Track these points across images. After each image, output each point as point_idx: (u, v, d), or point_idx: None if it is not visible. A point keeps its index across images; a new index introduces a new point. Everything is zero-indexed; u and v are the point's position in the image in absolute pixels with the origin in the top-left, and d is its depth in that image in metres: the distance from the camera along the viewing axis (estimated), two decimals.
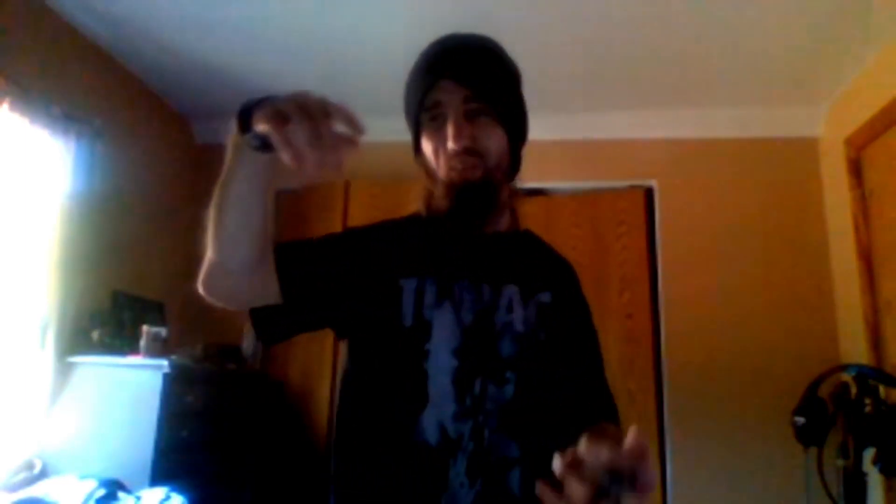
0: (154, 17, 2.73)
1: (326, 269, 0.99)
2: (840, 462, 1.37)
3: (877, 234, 2.78)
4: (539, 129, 4.10)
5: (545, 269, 1.06)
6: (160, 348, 2.64)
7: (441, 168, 0.96)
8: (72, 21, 2.74)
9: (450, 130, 0.92)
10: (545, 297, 0.99)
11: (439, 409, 0.90)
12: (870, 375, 1.41)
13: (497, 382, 0.92)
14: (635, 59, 2.92)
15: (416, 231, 1.04)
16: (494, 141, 0.96)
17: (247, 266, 0.95)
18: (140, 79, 3.28)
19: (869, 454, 1.37)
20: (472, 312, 0.94)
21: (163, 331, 2.72)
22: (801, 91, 3.15)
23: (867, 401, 1.38)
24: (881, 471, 1.37)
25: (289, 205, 3.70)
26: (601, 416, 0.96)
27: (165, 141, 3.56)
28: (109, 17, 2.76)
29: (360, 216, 3.47)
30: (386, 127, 3.65)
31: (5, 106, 2.33)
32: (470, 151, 0.93)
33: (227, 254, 0.96)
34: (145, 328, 2.67)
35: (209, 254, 0.97)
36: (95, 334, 2.72)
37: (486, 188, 0.95)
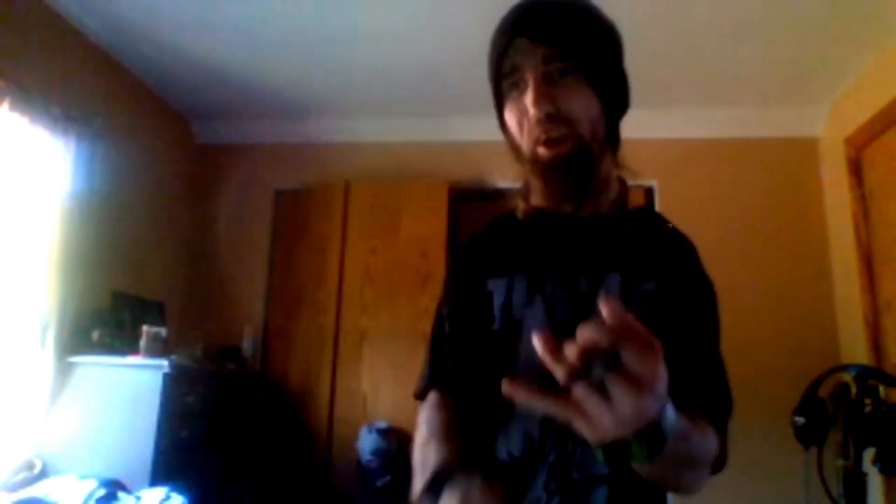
0: (154, 17, 2.73)
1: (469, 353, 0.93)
2: (840, 462, 1.37)
3: (877, 234, 2.78)
4: None
5: (653, 253, 0.90)
6: (160, 348, 2.64)
7: (527, 144, 0.84)
8: (72, 21, 2.74)
9: (529, 95, 0.80)
10: (649, 286, 0.86)
11: (527, 418, 0.81)
12: (870, 375, 1.41)
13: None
14: (635, 60, 2.91)
15: (507, 227, 0.96)
16: (583, 104, 0.82)
17: None
18: (140, 79, 3.28)
19: (869, 454, 1.37)
20: (567, 307, 0.84)
21: (163, 331, 2.72)
22: (801, 91, 3.15)
23: (867, 401, 1.38)
24: (881, 471, 1.37)
25: (289, 205, 3.71)
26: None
27: (165, 141, 3.56)
28: (110, 18, 2.76)
29: (360, 216, 3.47)
30: (386, 127, 3.68)
31: (5, 106, 2.33)
32: (554, 118, 0.80)
33: None
34: (145, 328, 2.67)
35: None
36: (95, 334, 2.72)
37: (579, 161, 0.83)
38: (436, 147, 3.61)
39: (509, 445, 0.82)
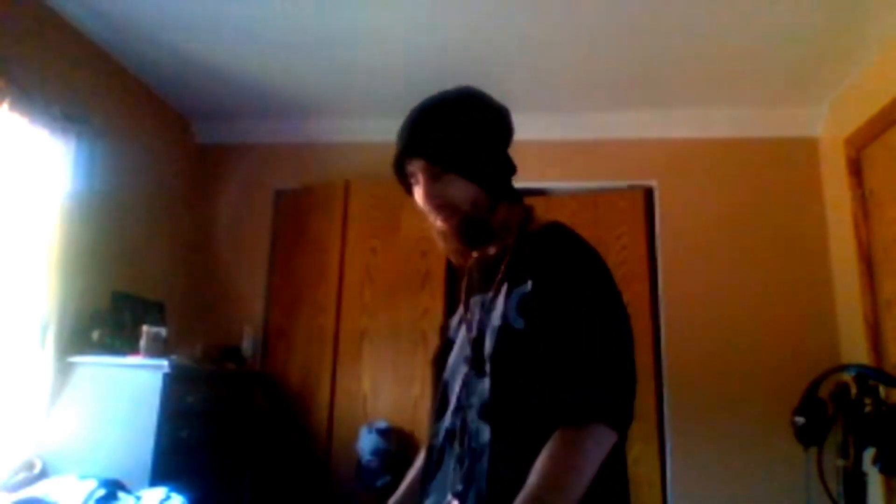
0: (154, 17, 2.73)
1: None
2: (840, 462, 1.37)
3: (877, 234, 2.78)
4: (539, 129, 4.08)
5: (532, 260, 1.05)
6: (160, 348, 2.64)
7: (431, 219, 1.13)
8: (72, 21, 2.74)
9: (418, 197, 1.10)
10: (526, 287, 1.02)
11: (450, 410, 1.08)
12: (870, 375, 1.41)
13: (479, 376, 1.04)
14: (635, 60, 2.92)
15: (468, 268, 1.23)
16: (461, 191, 1.07)
17: None
18: (140, 79, 3.28)
19: (869, 454, 1.37)
20: (477, 323, 1.10)
21: (163, 331, 2.72)
22: (801, 91, 3.15)
23: (867, 401, 1.38)
24: (881, 471, 1.37)
25: (289, 205, 3.71)
26: (556, 411, 0.92)
27: (165, 141, 3.56)
28: (109, 18, 2.76)
29: (360, 216, 3.47)
30: (386, 127, 3.66)
31: (5, 106, 2.33)
32: (442, 206, 1.07)
33: None
34: (145, 328, 2.67)
35: None
36: (95, 334, 2.72)
37: (469, 227, 1.09)
38: None
39: (439, 434, 1.09)
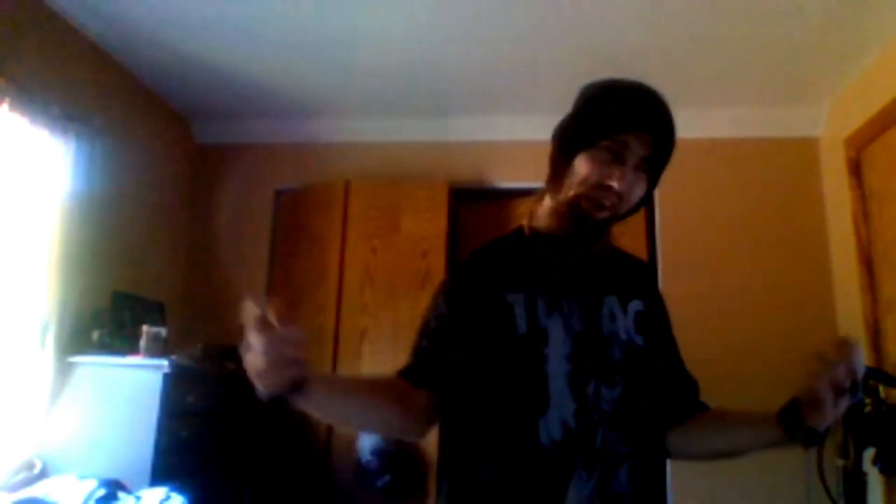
0: (154, 16, 2.73)
1: (456, 351, 1.05)
2: (840, 462, 1.37)
3: (877, 234, 2.78)
4: (539, 129, 4.06)
5: (634, 279, 1.16)
6: (160, 348, 2.64)
7: (580, 190, 1.03)
8: (72, 21, 2.74)
9: (623, 172, 1.01)
10: (638, 306, 1.09)
11: (561, 409, 0.97)
12: (870, 375, 1.41)
13: (608, 385, 1.00)
14: (635, 60, 2.92)
15: (520, 248, 1.13)
16: (637, 196, 1.05)
17: (393, 425, 1.05)
18: (140, 79, 3.28)
19: (869, 454, 1.37)
20: (581, 322, 1.03)
21: (163, 331, 2.72)
22: (801, 91, 3.15)
23: (867, 401, 1.38)
24: (881, 471, 1.37)
25: (289, 205, 3.71)
26: (690, 405, 1.14)
27: (165, 141, 3.56)
28: (109, 17, 2.76)
29: (360, 216, 3.47)
30: (386, 127, 3.67)
31: (5, 106, 2.33)
32: (618, 195, 1.02)
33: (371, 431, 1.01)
34: (145, 328, 2.67)
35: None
36: (95, 334, 2.72)
37: (601, 227, 1.07)
38: (436, 147, 3.61)
39: (550, 433, 0.96)
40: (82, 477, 2.25)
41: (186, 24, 2.77)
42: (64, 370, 2.55)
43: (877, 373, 1.44)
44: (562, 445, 0.96)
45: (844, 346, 0.89)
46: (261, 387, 0.77)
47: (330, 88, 3.35)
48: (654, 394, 1.08)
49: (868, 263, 2.81)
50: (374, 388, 1.03)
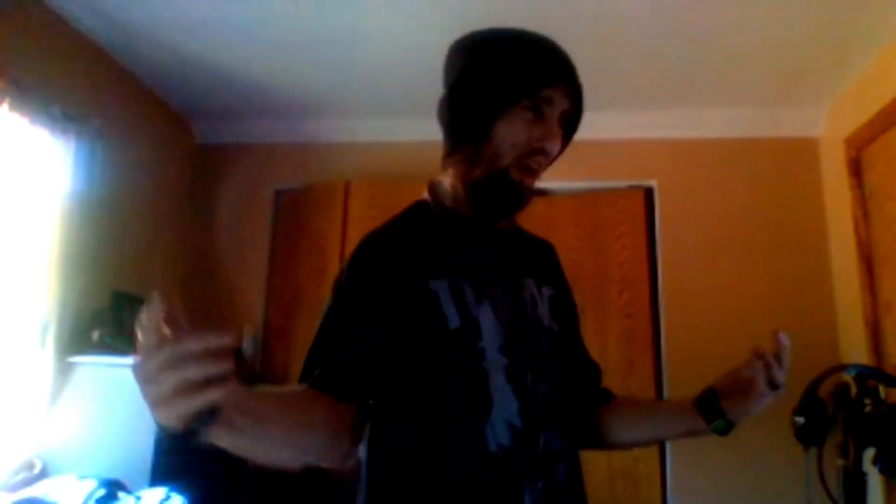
0: (154, 16, 2.73)
1: (366, 349, 0.92)
2: (840, 462, 1.37)
3: (877, 234, 2.78)
4: None
5: (543, 261, 1.09)
6: None
7: (509, 157, 0.93)
8: (72, 21, 2.74)
9: (554, 131, 0.94)
10: (551, 291, 1.02)
11: (505, 409, 0.86)
12: (870, 375, 1.41)
13: (542, 377, 0.92)
14: (635, 60, 2.92)
15: (432, 229, 1.00)
16: (558, 151, 0.99)
17: (315, 451, 0.88)
18: (140, 79, 3.28)
19: (869, 454, 1.37)
20: (506, 309, 0.92)
21: None
22: (801, 91, 3.15)
23: (867, 401, 1.38)
24: (881, 471, 1.37)
25: (289, 205, 3.71)
26: (600, 393, 1.11)
27: (165, 141, 3.56)
28: (109, 17, 2.76)
29: (360, 216, 3.47)
30: (386, 127, 3.67)
31: (5, 106, 2.33)
32: (548, 158, 0.96)
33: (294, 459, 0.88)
34: None
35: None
36: (95, 334, 2.72)
37: (529, 195, 0.98)
38: (436, 147, 3.58)
39: (497, 438, 0.85)
40: (82, 477, 2.25)
41: (186, 24, 2.77)
42: (64, 370, 2.55)
43: (877, 373, 1.44)
44: (512, 450, 0.85)
45: (778, 340, 0.90)
46: (157, 418, 0.58)
47: (330, 88, 3.35)
48: (575, 384, 1.03)
49: (868, 263, 2.81)
50: (299, 402, 0.87)
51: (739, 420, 0.93)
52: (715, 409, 0.94)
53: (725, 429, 0.94)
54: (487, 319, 0.90)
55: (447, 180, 1.04)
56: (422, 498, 0.86)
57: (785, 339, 0.89)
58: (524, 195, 0.96)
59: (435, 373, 0.88)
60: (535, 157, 0.93)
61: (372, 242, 1.01)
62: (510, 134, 0.93)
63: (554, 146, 0.94)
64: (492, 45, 1.03)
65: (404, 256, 0.95)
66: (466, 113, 0.97)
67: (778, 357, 0.89)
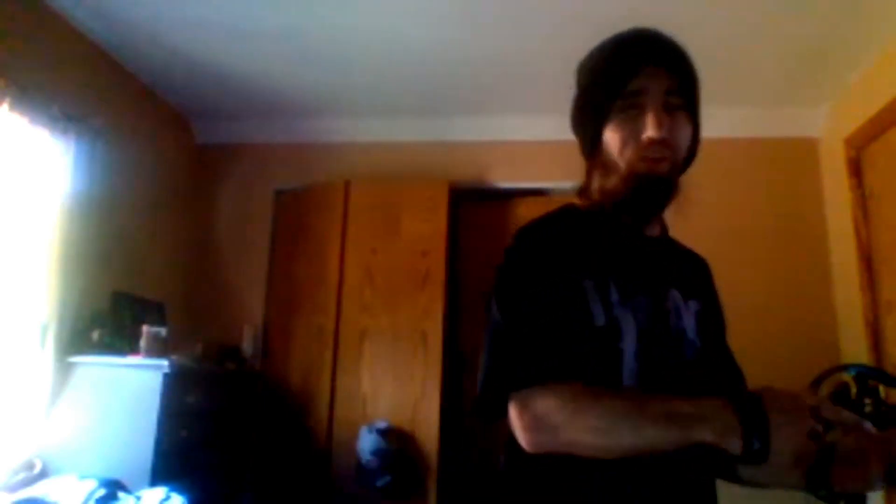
0: (154, 17, 2.73)
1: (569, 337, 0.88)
2: None
3: (877, 234, 2.78)
4: (539, 129, 4.05)
5: (693, 275, 1.07)
6: (160, 348, 2.64)
7: (627, 157, 0.92)
8: (72, 21, 2.74)
9: (652, 119, 0.90)
10: (697, 306, 1.00)
11: None
12: (870, 375, 1.41)
13: (680, 387, 0.87)
14: None
15: (583, 228, 0.98)
16: (686, 137, 0.95)
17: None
18: (140, 79, 3.28)
19: None
20: (646, 315, 0.91)
21: (163, 331, 2.72)
22: (801, 91, 3.15)
23: (867, 401, 1.38)
24: None
25: (289, 205, 3.71)
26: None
27: (165, 141, 3.56)
28: (109, 17, 2.76)
29: (360, 216, 3.47)
30: (386, 127, 3.68)
31: (5, 106, 2.33)
32: (666, 143, 0.91)
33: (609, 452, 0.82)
34: (145, 328, 2.67)
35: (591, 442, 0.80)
36: (95, 334, 2.72)
37: (669, 183, 0.95)
38: (436, 147, 3.61)
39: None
40: (82, 477, 2.25)
41: (186, 24, 2.77)
42: (64, 370, 2.55)
43: (877, 373, 1.44)
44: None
45: None
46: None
47: (330, 88, 3.35)
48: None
49: (868, 263, 2.81)
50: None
51: (853, 491, 0.75)
52: (823, 478, 0.72)
53: (834, 498, 0.79)
54: (627, 322, 0.89)
55: (594, 185, 1.02)
56: (556, 486, 0.86)
57: None
58: (658, 184, 0.94)
59: (577, 366, 0.85)
60: (651, 147, 0.91)
61: (539, 236, 0.97)
62: (613, 139, 0.93)
63: (660, 131, 0.89)
64: (584, 60, 1.05)
65: (564, 254, 0.94)
66: (578, 130, 1.02)
67: None
